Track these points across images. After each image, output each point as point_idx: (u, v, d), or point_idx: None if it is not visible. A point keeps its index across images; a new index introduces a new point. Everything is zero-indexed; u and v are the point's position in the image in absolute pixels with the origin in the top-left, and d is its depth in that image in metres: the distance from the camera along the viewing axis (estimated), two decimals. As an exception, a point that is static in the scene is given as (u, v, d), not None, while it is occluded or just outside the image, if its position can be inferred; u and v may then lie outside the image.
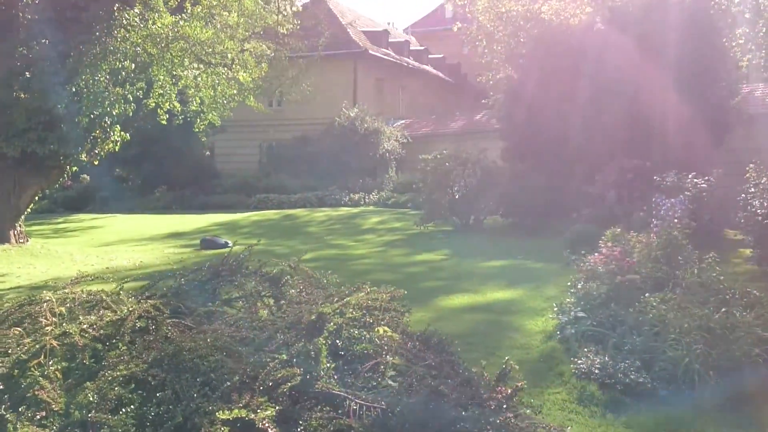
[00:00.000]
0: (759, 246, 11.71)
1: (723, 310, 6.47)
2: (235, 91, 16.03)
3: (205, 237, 16.84)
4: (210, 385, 3.54)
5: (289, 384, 3.52)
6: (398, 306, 4.54)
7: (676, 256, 8.69)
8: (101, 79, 13.34)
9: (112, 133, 15.38)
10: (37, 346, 3.74)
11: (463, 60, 50.06)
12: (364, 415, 3.46)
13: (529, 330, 7.86)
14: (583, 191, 18.23)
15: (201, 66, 15.46)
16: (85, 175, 30.21)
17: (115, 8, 14.39)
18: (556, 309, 7.86)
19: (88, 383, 3.50)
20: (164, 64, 15.22)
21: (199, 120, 16.60)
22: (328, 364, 3.70)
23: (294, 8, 19.47)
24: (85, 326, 3.92)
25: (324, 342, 3.79)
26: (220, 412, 3.33)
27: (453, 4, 43.69)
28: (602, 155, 18.91)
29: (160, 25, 14.19)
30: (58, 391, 3.46)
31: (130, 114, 15.38)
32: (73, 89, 13.31)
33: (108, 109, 13.57)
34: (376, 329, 4.06)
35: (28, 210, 16.38)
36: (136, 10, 14.23)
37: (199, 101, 15.98)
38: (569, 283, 8.90)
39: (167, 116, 16.51)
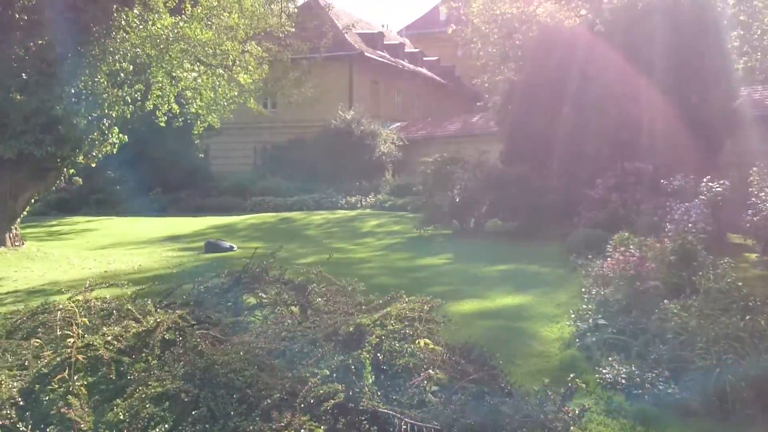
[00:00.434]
0: (768, 251, 11.62)
1: (748, 317, 6.34)
2: (236, 93, 15.84)
3: (209, 240, 16.62)
4: (247, 402, 3.36)
5: (333, 401, 3.34)
6: (436, 317, 4.37)
7: (691, 262, 8.56)
8: (101, 80, 13.12)
9: (110, 135, 15.15)
10: (59, 359, 3.54)
11: (457, 62, 50.05)
12: (415, 436, 3.27)
13: (545, 337, 7.70)
14: (584, 195, 18.11)
15: (201, 67, 15.26)
16: (77, 178, 29.90)
17: (114, 9, 14.17)
18: (573, 316, 7.70)
19: (118, 401, 3.31)
20: (163, 66, 15.01)
21: (199, 122, 16.39)
22: (372, 380, 3.52)
23: (294, 8, 19.32)
24: (109, 338, 3.72)
25: (367, 356, 3.61)
26: (262, 432, 3.13)
27: (447, 6, 43.71)
28: (603, 158, 18.82)
29: (159, 26, 13.98)
30: (86, 409, 3.28)
31: (128, 116, 15.19)
32: (72, 90, 13.06)
33: (107, 110, 13.34)
34: (417, 341, 3.90)
35: (24, 213, 16.11)
36: (135, 11, 14.01)
37: (199, 103, 15.77)
38: (583, 289, 8.75)
39: (165, 118, 16.29)
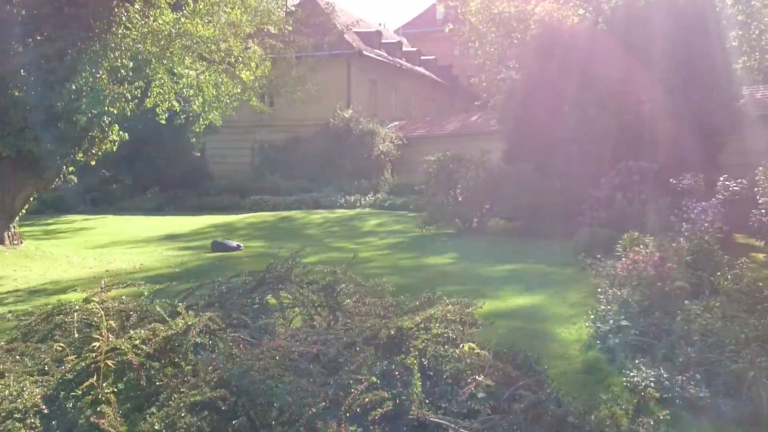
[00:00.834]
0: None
1: (775, 319, 6.19)
2: (239, 90, 15.62)
3: (215, 240, 16.43)
4: (289, 410, 3.17)
5: (380, 410, 3.16)
6: (479, 319, 4.20)
7: (708, 262, 8.42)
8: (102, 76, 12.90)
9: (110, 133, 14.93)
10: (83, 364, 3.35)
11: (454, 61, 49.95)
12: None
13: (564, 339, 7.54)
14: (587, 194, 17.98)
15: (204, 64, 15.04)
16: (72, 176, 29.62)
17: (115, 4, 13.95)
18: (592, 317, 7.55)
19: (153, 409, 3.12)
20: (164, 62, 14.79)
21: (201, 119, 16.18)
22: (421, 387, 3.34)
23: (292, 7, 19.13)
24: (137, 342, 3.53)
25: (414, 361, 3.43)
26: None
27: (445, 5, 43.61)
28: (605, 157, 18.69)
29: (161, 22, 13.77)
30: (118, 418, 3.09)
31: (128, 113, 14.97)
32: (73, 87, 12.83)
33: (108, 107, 13.13)
34: (461, 345, 3.72)
35: (23, 211, 15.87)
36: (136, 7, 13.79)
37: (201, 100, 15.55)
38: (599, 290, 8.60)
39: (166, 115, 16.08)
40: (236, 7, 14.76)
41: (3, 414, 3.09)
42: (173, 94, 15.61)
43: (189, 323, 3.67)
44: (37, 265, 14.16)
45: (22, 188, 15.06)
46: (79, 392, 3.22)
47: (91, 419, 3.01)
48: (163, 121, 16.06)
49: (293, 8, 24.52)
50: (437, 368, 3.57)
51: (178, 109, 16.21)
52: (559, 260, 13.90)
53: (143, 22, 13.81)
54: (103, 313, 3.93)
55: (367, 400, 3.18)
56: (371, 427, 3.11)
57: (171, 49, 14.37)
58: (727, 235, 15.05)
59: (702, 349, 5.96)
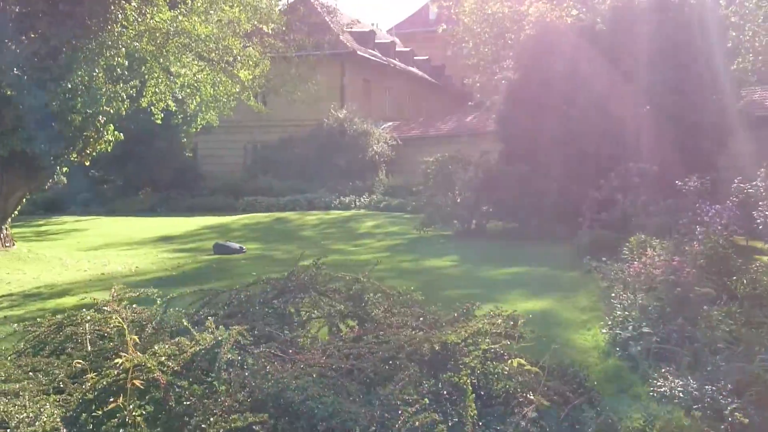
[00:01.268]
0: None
1: (802, 326, 6.03)
2: (237, 89, 15.35)
3: (217, 242, 16.19)
4: (334, 435, 2.95)
5: (432, 435, 2.95)
6: (523, 331, 3.99)
7: (724, 266, 8.26)
8: (99, 74, 12.62)
9: (105, 133, 14.64)
10: (104, 383, 3.12)
11: (447, 62, 49.78)
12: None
13: (580, 345, 7.36)
14: (586, 195, 17.84)
15: (202, 63, 14.76)
16: (62, 177, 29.21)
17: (111, 1, 13.66)
18: (609, 322, 7.36)
19: (187, 434, 2.89)
20: (160, 61, 14.52)
21: (198, 119, 15.90)
22: (475, 410, 3.12)
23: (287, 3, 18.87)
24: (162, 358, 3.29)
25: (468, 380, 3.21)
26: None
27: (438, 5, 43.44)
28: (604, 159, 18.58)
29: (158, 20, 13.50)
30: (149, 445, 2.86)
31: (124, 113, 14.68)
32: (69, 85, 12.54)
33: (105, 107, 12.84)
34: (509, 361, 3.51)
35: (15, 212, 15.54)
36: (133, 4, 13.51)
37: (199, 100, 15.27)
38: (612, 294, 8.42)
39: (162, 115, 15.81)
40: (235, 5, 14.51)
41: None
42: (169, 94, 15.32)
43: (220, 338, 3.42)
44: (30, 267, 13.85)
45: (15, 189, 14.74)
46: (100, 413, 2.99)
47: (122, 446, 2.79)
48: (159, 121, 15.79)
49: (287, 6, 24.29)
50: (487, 387, 3.37)
51: (174, 108, 15.91)
52: (562, 263, 13.73)
53: (140, 20, 13.53)
54: (126, 326, 3.68)
55: (417, 423, 2.96)
56: (423, 454, 2.90)
57: (168, 48, 14.10)
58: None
59: (730, 357, 5.79)
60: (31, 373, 3.38)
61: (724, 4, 28.12)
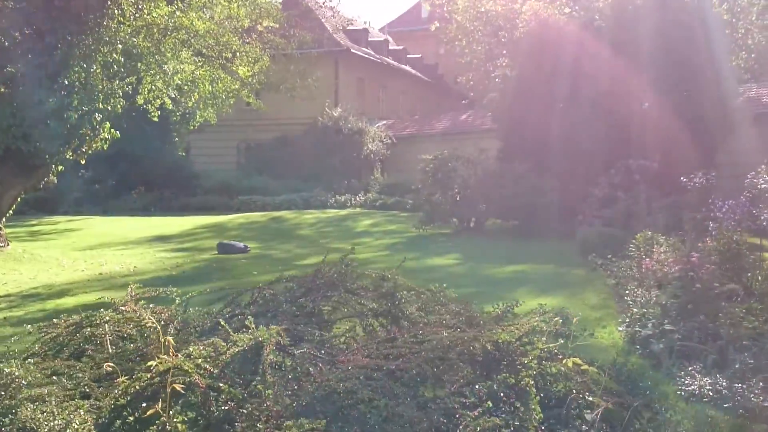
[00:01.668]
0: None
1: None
2: (237, 86, 15.13)
3: (221, 241, 15.98)
4: (394, 443, 2.76)
5: (497, 440, 2.79)
6: (575, 330, 3.84)
7: (738, 262, 8.15)
8: (97, 71, 12.38)
9: (101, 131, 14.38)
10: (137, 387, 2.94)
11: (439, 60, 49.65)
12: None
13: (597, 344, 7.20)
14: (585, 192, 17.76)
15: (200, 59, 14.53)
16: (53, 177, 28.83)
17: (107, -5, 13.42)
18: (628, 320, 7.23)
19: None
20: (157, 57, 14.29)
21: (197, 116, 15.67)
22: (541, 413, 2.96)
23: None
24: (199, 360, 3.11)
25: (531, 382, 3.06)
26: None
27: (430, 3, 43.25)
28: (601, 156, 18.51)
29: (156, 15, 13.28)
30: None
31: (119, 110, 14.43)
32: (65, 82, 12.30)
33: (103, 104, 12.60)
34: (564, 361, 3.36)
35: (9, 212, 15.26)
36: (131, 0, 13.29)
37: (197, 97, 15.04)
38: (627, 291, 8.30)
39: (158, 113, 15.59)
40: (233, 1, 14.28)
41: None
42: (166, 91, 15.09)
43: (260, 338, 3.24)
44: (26, 268, 13.62)
45: (10, 188, 14.45)
46: (132, 419, 2.81)
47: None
48: (155, 119, 15.55)
49: (281, 2, 24.00)
50: (545, 388, 3.21)
51: (170, 106, 15.68)
52: (566, 260, 13.63)
53: (137, 15, 13.30)
54: (159, 327, 3.50)
55: (479, 429, 2.79)
56: (486, 460, 2.73)
57: (165, 44, 13.87)
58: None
59: (757, 354, 5.67)
60: (54, 377, 3.21)
61: (717, 2, 28.17)
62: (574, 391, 3.23)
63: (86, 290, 11.27)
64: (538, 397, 3.10)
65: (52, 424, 2.62)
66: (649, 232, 11.26)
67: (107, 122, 14.51)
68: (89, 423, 2.75)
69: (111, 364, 3.19)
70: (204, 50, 14.37)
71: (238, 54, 14.72)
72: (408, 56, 45.30)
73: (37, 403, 2.82)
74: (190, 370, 2.95)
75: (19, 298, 10.69)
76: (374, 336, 3.80)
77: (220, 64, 14.85)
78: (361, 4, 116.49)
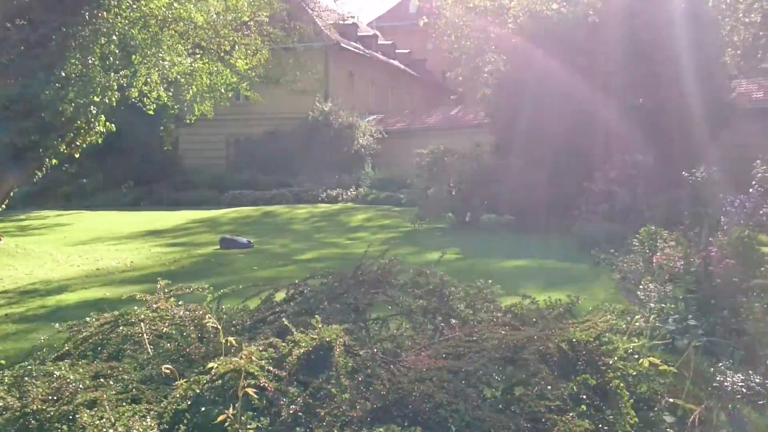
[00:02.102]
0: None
1: None
2: (236, 79, 14.92)
3: (224, 236, 15.78)
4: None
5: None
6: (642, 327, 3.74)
7: (751, 257, 8.11)
8: (94, 62, 12.14)
9: (96, 124, 14.15)
10: (196, 390, 2.80)
11: (428, 55, 49.56)
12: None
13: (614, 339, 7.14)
14: (581, 187, 17.75)
15: (199, 51, 14.31)
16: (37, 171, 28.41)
17: (103, -14, 13.17)
18: (647, 314, 7.16)
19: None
20: (153, 49, 14.05)
21: (195, 109, 15.44)
22: (636, 417, 2.85)
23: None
24: (263, 362, 2.97)
25: (621, 384, 2.95)
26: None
27: (420, -2, 43.12)
28: (597, 151, 18.52)
29: (153, 6, 13.05)
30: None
31: (114, 103, 14.19)
32: (62, 74, 12.06)
33: (100, 97, 12.37)
34: (640, 361, 3.27)
35: (2, 206, 14.98)
36: (127, -9, 13.05)
37: (195, 90, 14.81)
38: (641, 286, 8.23)
39: (154, 105, 15.36)
40: (232, -7, 14.09)
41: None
42: (161, 84, 14.86)
43: (328, 338, 3.09)
44: (21, 263, 13.37)
45: (3, 182, 14.19)
46: (193, 424, 2.67)
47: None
48: (151, 112, 15.32)
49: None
50: (628, 389, 3.11)
51: (165, 99, 15.44)
52: (566, 255, 13.61)
53: (134, 6, 13.06)
54: (220, 327, 3.36)
55: (568, 434, 2.69)
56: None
57: (162, 36, 13.64)
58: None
59: (787, 351, 5.62)
60: (102, 380, 3.06)
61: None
62: (658, 393, 3.15)
63: (85, 286, 11.08)
64: (631, 401, 3.01)
65: (111, 431, 2.48)
66: (653, 227, 11.24)
67: (102, 115, 14.29)
68: (149, 428, 2.62)
69: (169, 367, 3.06)
70: (203, 42, 14.14)
71: (236, 46, 14.50)
72: (397, 51, 45.15)
73: (97, 410, 2.67)
74: (256, 372, 2.82)
75: (18, 295, 10.47)
76: (426, 335, 3.70)
77: (219, 56, 14.62)
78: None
